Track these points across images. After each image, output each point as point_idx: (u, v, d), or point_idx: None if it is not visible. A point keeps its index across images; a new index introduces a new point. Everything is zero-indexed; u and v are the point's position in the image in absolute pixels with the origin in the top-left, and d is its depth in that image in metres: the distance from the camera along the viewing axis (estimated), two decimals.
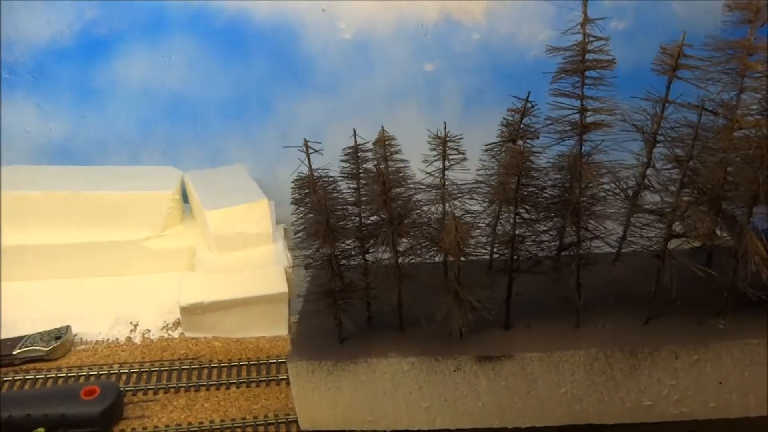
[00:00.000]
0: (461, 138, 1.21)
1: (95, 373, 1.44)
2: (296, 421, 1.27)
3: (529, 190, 1.14)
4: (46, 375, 1.43)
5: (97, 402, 1.26)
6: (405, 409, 1.23)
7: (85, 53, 1.87)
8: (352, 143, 1.20)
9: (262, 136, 2.02)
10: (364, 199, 1.19)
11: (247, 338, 1.57)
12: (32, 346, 1.48)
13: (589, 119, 1.10)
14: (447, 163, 1.22)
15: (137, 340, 1.57)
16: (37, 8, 1.82)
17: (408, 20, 1.93)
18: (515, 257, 1.18)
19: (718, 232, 1.21)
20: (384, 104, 2.02)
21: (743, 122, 1.13)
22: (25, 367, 1.47)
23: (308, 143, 1.15)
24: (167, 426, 1.30)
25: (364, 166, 1.20)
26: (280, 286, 1.57)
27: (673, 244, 1.19)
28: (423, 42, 1.96)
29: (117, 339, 1.57)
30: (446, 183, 1.23)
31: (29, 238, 1.74)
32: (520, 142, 1.18)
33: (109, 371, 1.45)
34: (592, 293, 1.22)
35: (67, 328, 1.54)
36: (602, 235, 1.18)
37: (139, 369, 1.45)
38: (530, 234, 1.18)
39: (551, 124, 1.11)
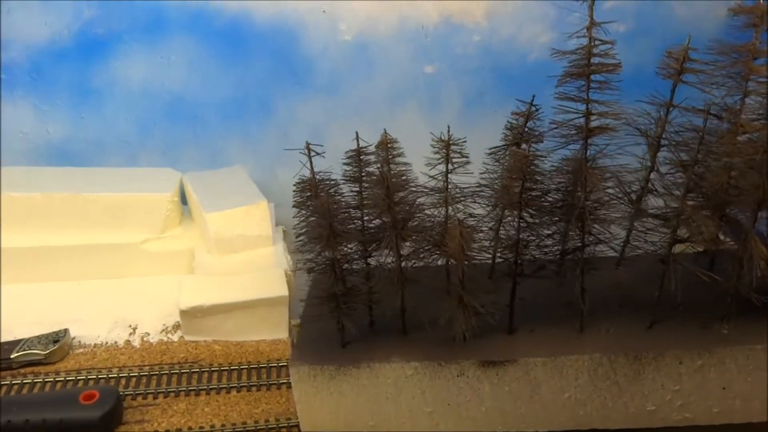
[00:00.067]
0: (464, 141, 1.20)
1: (94, 377, 1.43)
2: (298, 426, 1.26)
3: (533, 194, 1.13)
4: (44, 379, 1.42)
5: (97, 406, 1.25)
6: (408, 414, 1.22)
7: (83, 54, 1.86)
8: (352, 145, 1.19)
9: (262, 138, 2.01)
10: (366, 202, 1.18)
11: (248, 341, 1.56)
12: (30, 349, 1.47)
13: (594, 123, 1.09)
14: (450, 167, 1.21)
15: (136, 343, 1.56)
16: (35, 8, 1.80)
17: (409, 22, 1.92)
18: (519, 261, 1.18)
19: (722, 237, 1.20)
20: (384, 106, 2.01)
21: (747, 126, 1.12)
22: (22, 371, 1.46)
23: (310, 146, 1.14)
24: (167, 431, 1.29)
25: (367, 169, 1.19)
26: (280, 289, 1.56)
27: (676, 248, 1.18)
28: (423, 44, 1.95)
29: (116, 342, 1.56)
30: (449, 186, 1.23)
31: (27, 240, 1.73)
32: (524, 145, 1.18)
33: (108, 375, 1.43)
34: (595, 297, 1.21)
35: (65, 331, 1.53)
36: (606, 240, 1.17)
37: (139, 373, 1.44)
38: (534, 238, 1.18)
39: (556, 128, 1.10)
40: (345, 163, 1.20)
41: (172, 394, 1.38)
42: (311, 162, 1.15)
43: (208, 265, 1.71)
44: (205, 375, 1.44)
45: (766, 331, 1.19)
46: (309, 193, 1.17)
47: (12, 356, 1.45)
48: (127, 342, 1.56)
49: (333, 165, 1.20)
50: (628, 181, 1.22)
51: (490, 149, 1.25)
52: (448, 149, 1.20)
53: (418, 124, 2.01)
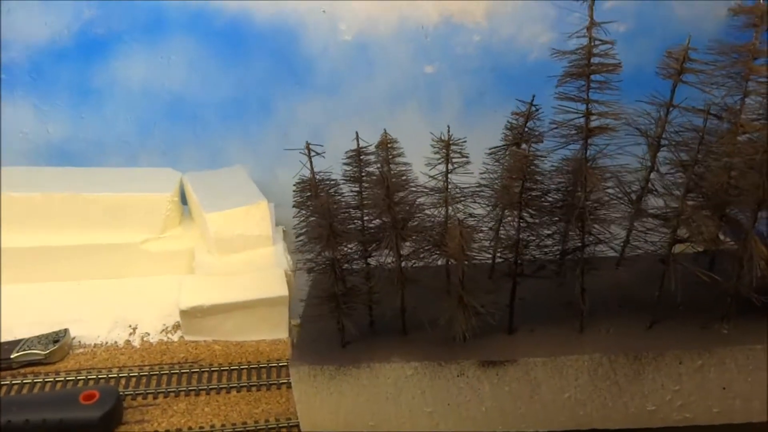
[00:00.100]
0: (464, 141, 1.20)
1: (94, 377, 1.43)
2: (298, 426, 1.26)
3: (533, 194, 1.13)
4: (44, 379, 1.42)
5: (97, 406, 1.25)
6: (407, 414, 1.22)
7: (83, 54, 1.86)
8: (352, 145, 1.19)
9: (262, 138, 2.01)
10: (366, 202, 1.18)
11: (248, 341, 1.56)
12: (30, 349, 1.47)
13: (594, 123, 1.09)
14: (450, 167, 1.21)
15: (136, 343, 1.56)
16: (35, 8, 1.80)
17: (409, 22, 1.92)
18: (519, 261, 1.18)
19: (722, 237, 1.20)
20: (384, 106, 2.01)
21: (747, 126, 1.12)
22: (22, 371, 1.46)
23: (310, 146, 1.14)
24: (167, 431, 1.29)
25: (367, 169, 1.19)
26: (280, 289, 1.56)
27: (676, 248, 1.18)
28: (424, 44, 1.95)
29: (116, 342, 1.56)
30: (449, 186, 1.23)
31: (27, 240, 1.73)
32: (524, 145, 1.18)
33: (108, 375, 1.43)
34: (595, 297, 1.21)
35: (65, 331, 1.53)
36: (606, 240, 1.17)
37: (139, 373, 1.44)
38: (534, 238, 1.18)
39: (556, 128, 1.10)
40: (345, 163, 1.20)
41: (172, 394, 1.38)
42: (311, 162, 1.15)
43: (208, 265, 1.71)
44: (205, 375, 1.44)
45: (766, 331, 1.19)
46: (309, 193, 1.17)
47: (12, 356, 1.45)
48: (127, 342, 1.56)
49: (333, 165, 1.20)
50: (628, 181, 1.22)
51: (490, 149, 1.25)
52: (448, 149, 1.20)
53: (418, 124, 2.01)
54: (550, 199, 1.17)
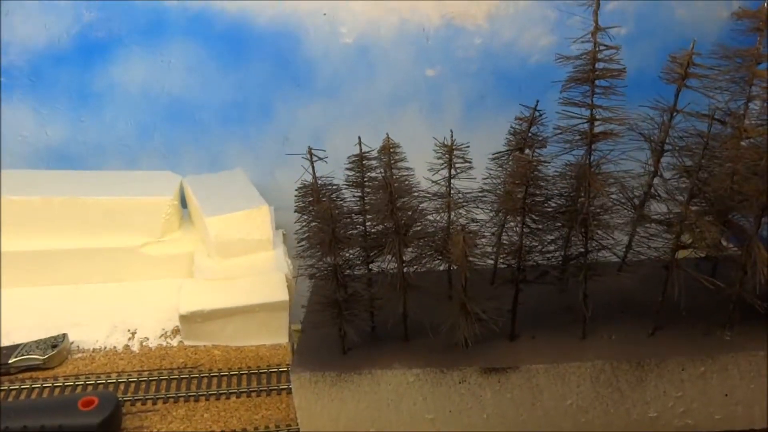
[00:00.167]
0: (467, 146, 1.20)
1: (92, 382, 1.42)
2: None
3: (537, 199, 1.13)
4: (42, 384, 1.41)
5: (96, 413, 1.24)
6: (409, 421, 1.21)
7: (83, 57, 1.85)
8: (353, 148, 1.18)
9: (262, 141, 2.00)
10: (368, 207, 1.17)
11: (247, 346, 1.55)
12: (28, 354, 1.46)
13: (599, 129, 1.09)
14: (453, 172, 1.20)
15: (135, 348, 1.55)
16: (34, 11, 1.79)
17: (409, 25, 1.92)
18: (521, 267, 1.17)
19: (725, 243, 1.20)
20: (385, 109, 2.00)
21: (751, 131, 1.12)
22: (21, 376, 1.45)
23: (312, 150, 1.14)
24: None
25: (369, 174, 1.18)
26: (280, 294, 1.55)
27: (679, 254, 1.18)
28: (424, 47, 1.95)
29: (115, 347, 1.55)
30: (452, 191, 1.22)
31: (26, 243, 1.72)
32: (527, 150, 1.17)
33: (106, 380, 1.42)
34: (597, 303, 1.20)
35: (64, 336, 1.52)
36: (609, 246, 1.17)
37: (138, 378, 1.43)
38: (537, 244, 1.17)
39: (560, 133, 1.10)
40: (347, 168, 1.19)
41: (172, 400, 1.37)
42: (313, 167, 1.15)
43: (208, 269, 1.70)
44: (205, 380, 1.43)
45: None
46: (311, 198, 1.16)
47: (10, 361, 1.44)
48: (126, 347, 1.55)
49: (334, 169, 1.20)
50: (631, 186, 1.21)
51: (493, 154, 1.25)
52: (451, 154, 1.19)
53: (419, 127, 2.01)
54: (553, 204, 1.16)
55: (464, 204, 1.22)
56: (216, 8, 1.85)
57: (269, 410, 1.35)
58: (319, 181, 1.17)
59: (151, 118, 1.95)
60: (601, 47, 1.03)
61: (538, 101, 1.19)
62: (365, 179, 1.18)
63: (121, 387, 1.41)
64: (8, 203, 1.71)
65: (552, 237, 1.19)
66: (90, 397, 1.26)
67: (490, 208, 1.23)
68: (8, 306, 1.64)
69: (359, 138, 1.16)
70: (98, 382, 1.42)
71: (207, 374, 1.45)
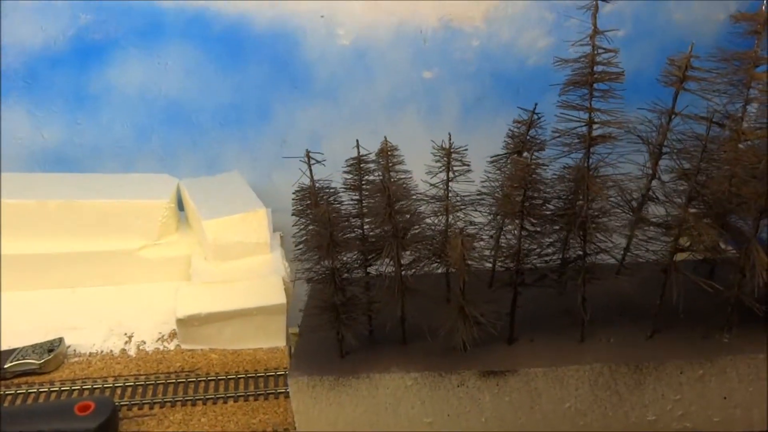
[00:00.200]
0: (465, 149, 1.20)
1: (89, 386, 1.41)
2: None
3: (535, 202, 1.12)
4: (38, 389, 1.40)
5: (92, 418, 1.23)
6: (407, 425, 1.21)
7: (79, 59, 1.84)
8: (351, 151, 1.18)
9: (259, 143, 2.00)
10: (366, 211, 1.17)
11: (245, 350, 1.55)
12: (24, 359, 1.45)
13: (597, 132, 1.09)
14: (451, 175, 1.20)
15: (132, 352, 1.54)
16: (30, 13, 1.79)
17: (407, 27, 1.92)
18: (520, 270, 1.17)
19: (722, 246, 1.20)
20: (383, 111, 2.00)
21: (749, 134, 1.12)
22: (17, 381, 1.44)
23: (310, 154, 1.13)
24: None
25: (367, 177, 1.18)
26: (278, 297, 1.55)
27: (677, 257, 1.18)
28: (422, 48, 1.95)
29: (111, 351, 1.54)
30: (450, 194, 1.22)
31: (22, 247, 1.71)
32: (526, 154, 1.17)
33: (103, 385, 1.42)
34: (596, 306, 1.20)
35: (60, 340, 1.51)
36: (608, 249, 1.16)
37: (134, 382, 1.42)
38: (535, 247, 1.17)
39: (559, 136, 1.09)
40: (345, 171, 1.19)
41: (169, 404, 1.37)
42: (311, 170, 1.14)
43: (205, 273, 1.70)
44: (202, 384, 1.43)
45: (767, 341, 1.19)
46: (309, 202, 1.16)
47: (6, 366, 1.43)
48: (123, 351, 1.55)
49: (332, 172, 1.19)
50: (629, 189, 1.21)
51: (491, 157, 1.24)
52: (449, 157, 1.19)
53: (417, 130, 2.01)
54: (551, 207, 1.16)
55: (462, 207, 1.21)
56: (213, 10, 1.84)
57: (267, 414, 1.35)
58: (317, 184, 1.16)
59: (148, 121, 1.94)
60: (600, 50, 1.03)
61: (536, 104, 1.19)
62: (363, 182, 1.18)
63: (118, 391, 1.40)
64: (4, 206, 1.70)
65: (550, 240, 1.18)
66: (86, 401, 1.26)
67: (488, 211, 1.22)
68: (4, 310, 1.63)
69: (357, 141, 1.16)
70: (95, 386, 1.41)
71: (204, 378, 1.44)
